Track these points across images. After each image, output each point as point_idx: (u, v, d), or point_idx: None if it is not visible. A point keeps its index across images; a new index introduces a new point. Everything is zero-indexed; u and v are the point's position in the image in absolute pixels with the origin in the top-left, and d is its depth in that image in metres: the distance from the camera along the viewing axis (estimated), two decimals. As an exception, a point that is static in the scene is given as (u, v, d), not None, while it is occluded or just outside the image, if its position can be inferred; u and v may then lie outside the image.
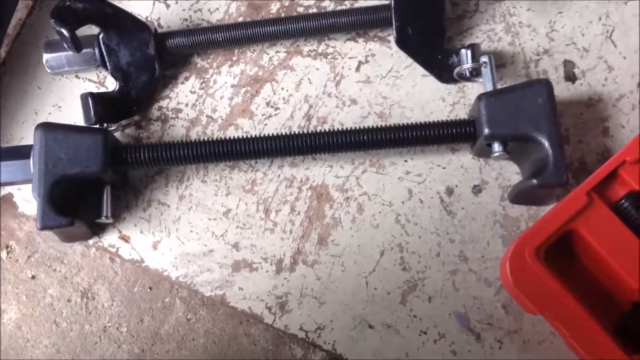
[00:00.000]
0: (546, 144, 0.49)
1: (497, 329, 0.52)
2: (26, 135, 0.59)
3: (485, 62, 0.53)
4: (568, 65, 0.58)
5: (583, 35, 0.58)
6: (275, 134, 0.54)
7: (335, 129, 0.54)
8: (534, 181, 0.49)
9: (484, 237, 0.54)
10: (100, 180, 0.53)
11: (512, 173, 0.55)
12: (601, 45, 0.58)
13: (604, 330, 0.46)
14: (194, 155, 0.53)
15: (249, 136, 0.54)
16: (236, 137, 0.54)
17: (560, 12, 0.58)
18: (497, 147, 0.51)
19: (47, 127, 0.52)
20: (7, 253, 0.57)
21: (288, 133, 0.54)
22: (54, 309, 0.56)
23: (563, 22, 0.58)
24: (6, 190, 0.58)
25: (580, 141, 0.56)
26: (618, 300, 0.50)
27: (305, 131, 0.54)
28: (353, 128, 0.54)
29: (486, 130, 0.50)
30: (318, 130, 0.54)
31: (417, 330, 0.53)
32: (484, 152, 0.54)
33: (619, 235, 0.48)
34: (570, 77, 0.57)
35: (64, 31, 0.51)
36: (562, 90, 0.57)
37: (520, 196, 0.53)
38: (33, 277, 0.57)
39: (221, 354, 0.55)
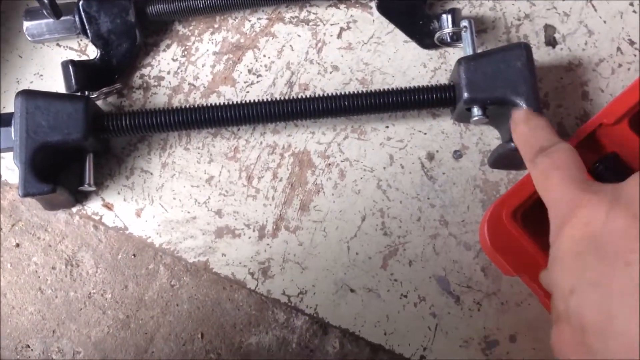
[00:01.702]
0: (524, 106, 0.49)
1: (476, 292, 0.53)
2: (8, 105, 0.59)
3: (465, 27, 0.53)
4: (549, 29, 0.58)
5: (564, 0, 0.58)
6: (257, 100, 0.54)
7: (317, 95, 0.54)
8: (512, 144, 0.49)
9: (464, 201, 0.55)
10: (82, 147, 0.53)
11: (492, 138, 0.56)
12: (581, 9, 0.58)
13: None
14: (177, 122, 0.53)
15: (231, 102, 0.54)
16: (218, 104, 0.54)
17: (541, -23, 0.58)
18: (476, 111, 0.51)
19: (28, 94, 0.51)
20: (-9, 221, 0.57)
21: (270, 99, 0.54)
22: (39, 277, 0.56)
23: (544, -13, 0.58)
24: (-11, 159, 0.58)
25: (560, 105, 0.56)
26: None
27: (287, 97, 0.55)
28: (334, 94, 0.54)
29: (465, 95, 0.50)
30: (300, 97, 0.54)
31: (397, 294, 0.54)
32: (464, 117, 0.54)
33: (596, 197, 0.49)
34: (551, 42, 0.57)
35: (42, -3, 0.51)
36: (542, 55, 0.57)
37: (500, 160, 0.53)
38: (17, 245, 0.57)
39: (205, 319, 0.55)
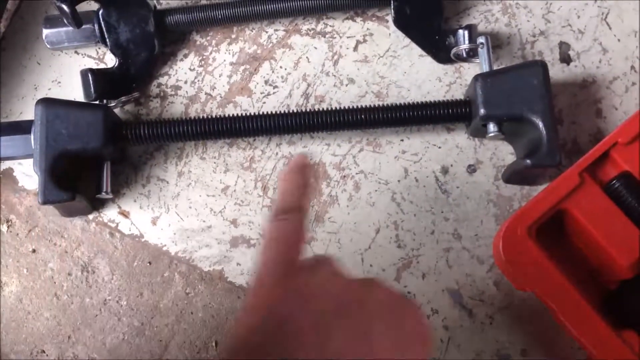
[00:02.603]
0: (540, 124, 0.50)
1: (489, 305, 0.54)
2: (25, 110, 0.60)
3: (482, 43, 0.54)
4: (563, 46, 0.58)
5: (579, 17, 0.59)
6: (273, 112, 0.55)
7: (333, 108, 0.55)
8: (528, 161, 0.50)
9: (477, 215, 0.56)
10: (100, 156, 0.54)
11: (506, 153, 0.56)
12: (596, 27, 0.58)
13: (591, 306, 0.48)
14: (194, 132, 0.54)
15: (247, 114, 0.55)
16: (235, 115, 0.54)
17: (556, -6, 0.59)
18: (492, 127, 0.52)
19: (48, 103, 0.52)
20: (8, 227, 0.58)
21: (286, 111, 0.55)
22: (55, 282, 0.57)
23: (559, 4, 0.59)
24: (6, 165, 0.59)
25: (574, 122, 0.57)
26: (606, 278, 0.51)
27: (303, 110, 0.55)
28: (350, 107, 0.54)
29: (482, 111, 0.51)
30: (316, 109, 0.55)
31: (410, 306, 0.54)
32: (479, 132, 0.55)
33: (610, 215, 0.49)
34: (565, 59, 0.58)
35: (65, 7, 0.51)
36: (557, 71, 0.58)
37: (514, 176, 0.54)
38: (34, 250, 0.57)
39: (219, 327, 0.56)
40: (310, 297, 0.35)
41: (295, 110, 0.55)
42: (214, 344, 0.56)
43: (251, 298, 0.37)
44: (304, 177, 0.41)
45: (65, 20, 0.53)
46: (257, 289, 0.37)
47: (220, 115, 0.55)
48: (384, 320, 0.35)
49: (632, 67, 0.57)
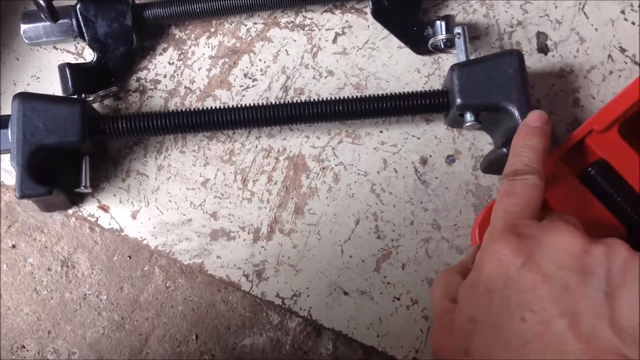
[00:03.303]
0: (516, 113, 0.50)
1: (468, 295, 0.54)
2: (4, 107, 0.60)
3: (459, 33, 0.54)
4: (541, 37, 0.58)
5: (556, 8, 0.59)
6: (252, 104, 0.55)
7: (312, 100, 0.55)
8: (504, 150, 0.50)
9: (456, 206, 0.56)
10: (79, 150, 0.54)
11: (484, 143, 0.56)
12: (573, 17, 0.59)
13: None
14: (173, 125, 0.54)
15: (227, 106, 0.55)
16: (214, 107, 0.54)
17: (534, -15, 0.59)
18: (469, 117, 0.52)
19: (25, 97, 0.52)
20: (-13, 223, 0.58)
21: (265, 103, 0.55)
22: (35, 278, 0.57)
23: (537, -5, 0.59)
24: (-15, 160, 0.59)
25: (551, 112, 0.57)
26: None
27: (282, 102, 0.55)
28: (329, 99, 0.54)
29: (458, 100, 0.51)
30: (295, 101, 0.55)
31: (390, 297, 0.54)
32: (457, 122, 0.55)
33: (585, 204, 0.50)
34: (543, 49, 0.58)
35: (41, 1, 0.51)
36: (534, 61, 0.58)
37: (492, 165, 0.54)
38: (13, 246, 0.57)
39: (199, 321, 0.56)
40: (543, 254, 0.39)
41: (274, 103, 0.55)
42: (194, 337, 0.56)
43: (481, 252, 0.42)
44: (544, 140, 0.46)
45: (42, 15, 0.53)
46: (487, 242, 0.42)
47: (199, 108, 0.54)
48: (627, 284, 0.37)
49: (610, 56, 0.58)
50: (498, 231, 0.41)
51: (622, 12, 0.58)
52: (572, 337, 0.36)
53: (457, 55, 0.55)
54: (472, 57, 0.54)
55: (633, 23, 0.58)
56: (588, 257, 0.38)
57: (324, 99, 0.54)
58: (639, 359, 0.34)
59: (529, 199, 0.43)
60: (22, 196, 0.51)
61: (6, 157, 0.58)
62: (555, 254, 0.39)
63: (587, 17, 0.58)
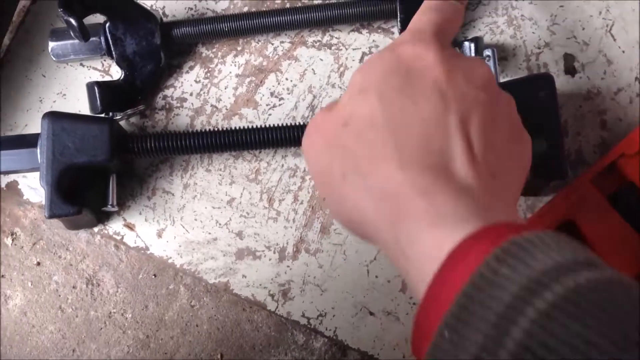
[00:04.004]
0: (548, 137, 0.50)
1: (496, 317, 0.54)
2: (30, 123, 0.60)
3: (488, 56, 0.54)
4: (568, 58, 0.58)
5: (583, 29, 0.59)
6: (279, 125, 0.55)
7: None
8: (535, 174, 0.50)
9: (483, 227, 0.55)
10: (107, 168, 0.54)
11: (512, 165, 0.56)
12: (601, 39, 0.59)
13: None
14: (201, 145, 0.54)
15: (254, 126, 0.55)
16: (242, 127, 0.54)
17: (561, 6, 0.59)
18: (498, 139, 0.52)
19: (54, 116, 0.52)
20: (12, 240, 0.58)
21: (292, 124, 0.55)
22: (59, 295, 0.57)
23: (564, 16, 0.59)
24: (10, 177, 0.59)
25: (578, 133, 0.57)
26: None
27: (309, 122, 0.55)
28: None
29: (488, 123, 0.51)
30: (322, 121, 0.55)
31: (417, 318, 0.54)
32: (485, 144, 0.55)
33: (616, 227, 0.50)
34: (570, 71, 0.58)
35: (72, 20, 0.51)
36: (562, 83, 0.58)
37: (520, 188, 0.54)
38: (38, 263, 0.57)
39: (225, 340, 0.56)
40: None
41: (301, 123, 0.55)
42: (219, 356, 0.55)
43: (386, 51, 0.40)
44: None
45: (72, 34, 0.53)
46: (395, 44, 0.41)
47: (227, 129, 0.54)
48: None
49: (637, 79, 0.58)
50: (429, 36, 0.40)
51: (649, 34, 0.58)
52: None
53: (485, 77, 0.55)
54: (500, 79, 0.54)
55: (660, 45, 0.58)
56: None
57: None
58: None
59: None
60: (52, 216, 0.51)
61: (31, 175, 0.58)
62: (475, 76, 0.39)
63: (615, 39, 0.58)
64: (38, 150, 0.52)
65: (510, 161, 0.38)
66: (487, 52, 0.54)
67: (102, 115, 0.55)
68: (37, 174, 0.54)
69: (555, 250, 0.29)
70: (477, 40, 0.56)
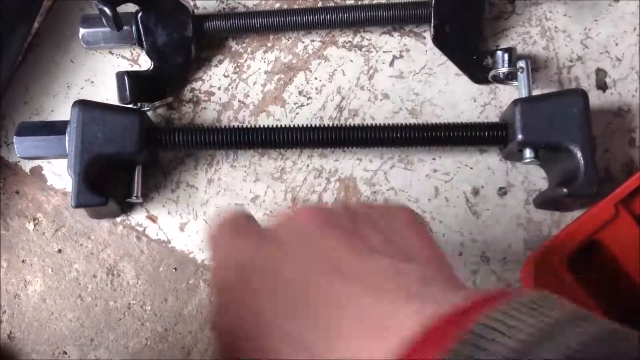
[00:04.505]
0: (579, 154, 0.50)
1: (515, 330, 0.54)
2: (57, 109, 0.59)
3: (522, 67, 0.54)
4: (600, 73, 0.58)
5: (617, 45, 0.58)
6: (307, 125, 0.54)
7: (367, 124, 0.54)
8: (564, 190, 0.49)
9: (506, 239, 0.56)
10: (134, 160, 0.54)
11: (538, 178, 0.56)
12: (633, 56, 0.58)
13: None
14: (229, 141, 0.54)
15: (281, 125, 0.54)
16: (271, 126, 0.54)
17: (596, 20, 0.59)
18: (528, 153, 0.52)
19: (84, 105, 0.52)
20: (35, 225, 0.58)
21: (320, 125, 0.54)
22: (79, 284, 0.57)
23: (598, 30, 0.59)
24: (35, 162, 0.58)
25: (607, 150, 0.57)
26: None
27: (337, 124, 0.55)
28: (384, 124, 0.54)
29: (520, 137, 0.51)
30: (350, 125, 0.54)
31: (436, 326, 0.54)
32: (514, 156, 0.55)
33: (643, 248, 0.50)
34: (602, 86, 0.58)
35: (106, 9, 0.51)
36: (592, 98, 0.57)
37: (547, 202, 0.54)
38: (59, 250, 0.57)
39: (242, 337, 0.56)
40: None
41: (329, 125, 0.55)
42: (236, 353, 0.55)
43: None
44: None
45: (105, 22, 0.53)
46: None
47: (256, 126, 0.54)
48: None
49: (668, 98, 0.57)
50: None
51: (682, 52, 0.58)
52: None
53: (517, 88, 0.54)
54: (533, 91, 0.54)
55: (693, 65, 0.58)
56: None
57: (380, 125, 0.54)
58: None
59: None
60: (78, 205, 0.51)
61: (56, 161, 0.58)
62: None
63: (648, 57, 0.58)
64: (67, 138, 0.52)
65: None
66: (521, 64, 0.54)
67: (131, 105, 0.55)
68: (62, 160, 0.54)
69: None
70: (510, 51, 0.55)
